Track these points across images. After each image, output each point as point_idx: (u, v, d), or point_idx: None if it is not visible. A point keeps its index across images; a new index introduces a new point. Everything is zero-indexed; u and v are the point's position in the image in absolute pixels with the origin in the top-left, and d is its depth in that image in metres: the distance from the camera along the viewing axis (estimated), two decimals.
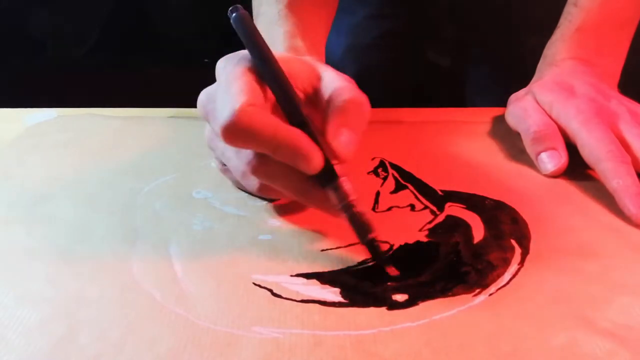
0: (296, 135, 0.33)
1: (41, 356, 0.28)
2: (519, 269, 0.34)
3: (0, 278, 0.33)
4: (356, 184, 0.43)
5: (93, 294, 0.32)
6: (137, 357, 0.27)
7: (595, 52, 0.50)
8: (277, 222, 0.38)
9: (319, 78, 0.38)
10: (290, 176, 0.34)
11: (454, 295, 0.32)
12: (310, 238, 0.37)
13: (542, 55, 0.53)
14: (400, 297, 0.31)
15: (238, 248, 0.36)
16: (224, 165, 0.39)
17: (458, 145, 0.49)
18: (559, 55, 0.51)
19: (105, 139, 0.50)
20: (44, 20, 1.16)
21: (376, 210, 0.40)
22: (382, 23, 0.73)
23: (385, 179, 0.44)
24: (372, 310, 0.30)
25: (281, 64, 0.36)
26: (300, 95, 0.37)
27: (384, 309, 0.31)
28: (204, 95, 0.37)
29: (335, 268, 0.34)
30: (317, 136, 0.34)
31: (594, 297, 0.31)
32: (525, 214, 0.39)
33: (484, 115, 0.55)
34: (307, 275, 0.33)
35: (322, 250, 0.35)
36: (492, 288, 0.32)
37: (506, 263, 0.34)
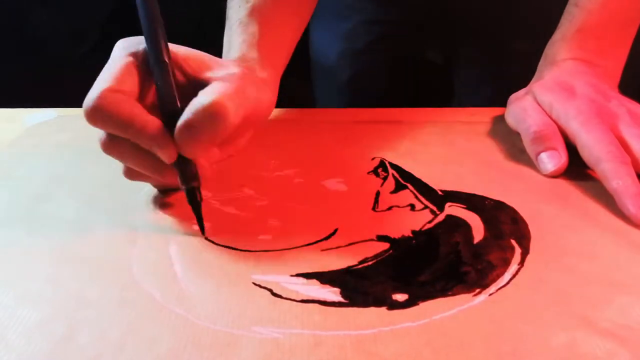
0: (153, 126, 0.34)
1: (41, 356, 0.28)
2: (519, 269, 0.34)
3: (0, 278, 0.33)
4: (356, 184, 0.43)
5: (93, 294, 0.32)
6: (137, 357, 0.27)
7: (596, 53, 0.50)
8: (277, 222, 0.38)
9: (208, 70, 0.38)
10: (140, 155, 0.36)
11: (454, 295, 0.32)
12: (310, 238, 0.37)
13: (543, 55, 0.53)
14: (400, 297, 0.31)
15: (238, 248, 0.36)
16: None
17: (458, 145, 0.49)
18: (559, 55, 0.51)
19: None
20: (44, 20, 1.16)
21: (376, 210, 0.40)
22: (376, 28, 0.73)
23: (385, 179, 0.44)
24: (372, 310, 0.30)
25: (175, 53, 0.37)
26: (183, 81, 0.38)
27: (384, 308, 0.31)
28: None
29: (335, 268, 0.34)
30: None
31: (594, 297, 0.31)
32: (525, 214, 0.39)
33: (483, 115, 0.55)
34: (307, 275, 0.33)
35: (323, 250, 0.35)
36: (492, 288, 0.32)
37: (506, 263, 0.34)
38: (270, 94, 0.44)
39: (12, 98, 0.58)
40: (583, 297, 0.31)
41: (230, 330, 0.29)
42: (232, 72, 0.38)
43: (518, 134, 0.48)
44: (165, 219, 0.38)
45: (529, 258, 0.35)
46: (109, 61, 0.37)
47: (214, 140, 0.35)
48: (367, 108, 0.57)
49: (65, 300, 0.31)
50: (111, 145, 0.36)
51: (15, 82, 1.07)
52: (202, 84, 0.37)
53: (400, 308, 0.31)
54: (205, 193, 0.41)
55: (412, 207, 0.40)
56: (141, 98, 0.37)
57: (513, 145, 0.48)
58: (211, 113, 0.34)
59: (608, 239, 0.36)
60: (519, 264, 0.34)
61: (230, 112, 0.34)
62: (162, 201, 0.40)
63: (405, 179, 0.43)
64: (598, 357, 0.28)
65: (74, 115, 0.54)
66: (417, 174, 0.44)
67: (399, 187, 0.42)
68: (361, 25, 0.73)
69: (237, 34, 0.46)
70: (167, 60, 0.37)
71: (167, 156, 0.35)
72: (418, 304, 0.31)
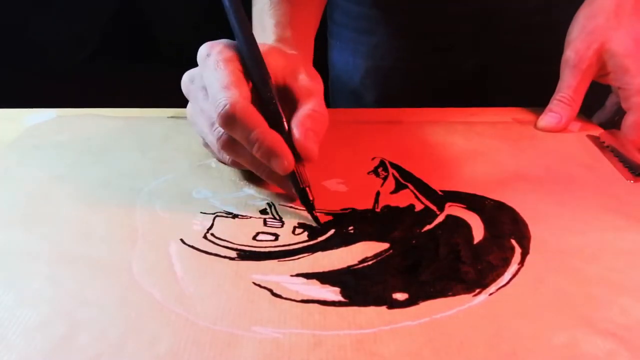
0: (275, 139, 0.37)
1: (41, 356, 0.28)
2: (519, 269, 0.34)
3: (0, 278, 0.33)
4: (356, 184, 0.43)
5: (93, 294, 0.32)
6: (137, 357, 0.27)
7: None
8: (277, 222, 0.38)
9: (295, 77, 0.42)
10: (256, 160, 0.38)
11: (454, 295, 0.32)
12: (309, 237, 0.37)
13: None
14: (400, 296, 0.31)
15: (238, 248, 0.36)
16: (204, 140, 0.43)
17: (458, 145, 0.49)
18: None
19: (105, 139, 0.50)
20: (45, 25, 1.16)
21: (376, 209, 0.40)
22: (403, 42, 0.67)
23: (385, 178, 0.44)
24: (372, 309, 0.30)
25: (263, 56, 0.41)
26: (274, 86, 0.41)
27: (384, 308, 0.31)
28: (186, 77, 0.42)
29: (335, 268, 0.34)
30: (288, 136, 0.38)
31: (594, 297, 0.31)
32: (525, 214, 0.39)
33: (484, 115, 0.55)
34: (307, 275, 0.33)
35: (323, 250, 0.35)
36: (492, 288, 0.32)
37: (506, 263, 0.34)
38: (315, 73, 0.46)
39: (12, 98, 0.59)
40: (583, 297, 0.31)
41: (230, 330, 0.29)
42: (307, 76, 0.42)
43: (518, 135, 0.48)
44: (165, 219, 0.38)
45: (529, 258, 0.35)
46: (212, 65, 0.39)
47: (321, 141, 0.40)
48: (367, 108, 0.57)
49: (65, 300, 0.31)
50: (230, 144, 0.39)
51: (16, 86, 1.07)
52: (289, 89, 0.41)
53: (400, 307, 0.31)
54: (205, 193, 0.41)
55: (412, 207, 0.40)
56: None
57: (514, 145, 0.48)
58: (320, 119, 0.39)
59: (608, 239, 0.36)
60: (519, 264, 0.34)
61: (327, 114, 0.40)
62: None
63: (406, 179, 0.43)
64: (598, 357, 0.28)
65: (74, 116, 0.54)
66: (417, 174, 0.44)
67: (399, 187, 0.42)
68: (389, 40, 0.68)
69: (268, 15, 0.49)
70: (272, 86, 0.40)
71: (287, 166, 0.37)
72: (418, 304, 0.31)
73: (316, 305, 0.31)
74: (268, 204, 0.40)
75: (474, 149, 0.48)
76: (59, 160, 0.46)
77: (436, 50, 0.67)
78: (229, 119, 0.37)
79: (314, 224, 0.38)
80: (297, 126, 0.38)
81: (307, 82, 0.42)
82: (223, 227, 0.37)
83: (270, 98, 0.39)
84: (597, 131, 0.52)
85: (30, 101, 0.57)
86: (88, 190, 0.42)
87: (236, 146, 0.39)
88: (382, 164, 0.46)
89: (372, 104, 0.71)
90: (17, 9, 1.15)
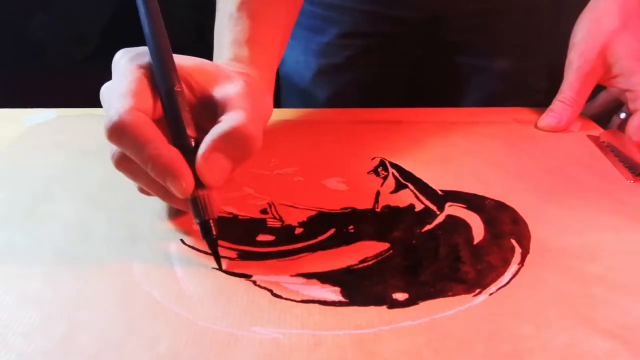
0: (172, 156, 0.32)
1: (41, 356, 0.28)
2: (519, 269, 0.34)
3: (0, 278, 0.33)
4: (356, 184, 0.43)
5: (93, 294, 0.32)
6: (137, 357, 0.27)
7: None
8: (277, 222, 0.38)
9: (224, 88, 0.36)
10: (150, 178, 0.33)
11: (454, 295, 0.32)
12: (309, 237, 0.37)
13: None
14: (400, 296, 0.31)
15: (238, 248, 0.36)
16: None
17: (458, 145, 0.49)
18: None
19: (105, 139, 0.49)
20: (46, 24, 1.16)
21: (376, 209, 0.40)
22: (356, 42, 0.67)
23: (385, 178, 0.44)
24: (372, 309, 0.30)
25: (181, 66, 0.35)
26: (194, 101, 0.36)
27: (384, 308, 0.31)
28: (103, 89, 0.36)
29: (335, 268, 0.34)
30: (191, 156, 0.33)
31: (594, 297, 0.31)
32: (525, 214, 0.39)
33: (484, 115, 0.55)
34: (307, 275, 0.33)
35: (323, 250, 0.35)
36: (492, 288, 0.32)
37: (506, 263, 0.34)
38: (269, 97, 0.43)
39: (12, 98, 0.59)
40: (583, 297, 0.31)
41: (230, 330, 0.29)
42: (239, 87, 0.36)
43: (518, 135, 0.48)
44: (165, 219, 0.38)
45: (529, 258, 0.35)
46: (120, 73, 0.35)
47: (238, 166, 0.34)
48: (367, 108, 0.57)
49: (65, 300, 0.31)
50: (125, 163, 0.34)
51: (16, 86, 1.07)
52: (212, 99, 0.36)
53: (400, 307, 0.31)
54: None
55: (412, 207, 0.40)
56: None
57: (513, 145, 0.48)
58: (239, 140, 0.33)
59: (608, 239, 0.36)
60: (519, 264, 0.34)
61: (257, 136, 0.34)
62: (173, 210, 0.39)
63: (406, 179, 0.43)
64: (598, 357, 0.28)
65: (73, 116, 0.54)
66: (417, 174, 0.44)
67: (399, 187, 0.42)
68: (339, 39, 0.67)
69: (227, 30, 0.44)
70: (178, 89, 0.35)
71: (181, 189, 0.32)
72: (418, 304, 0.31)
73: (316, 305, 0.31)
74: (268, 204, 0.40)
75: (474, 149, 0.48)
76: (59, 160, 0.46)
77: (386, 48, 0.68)
78: (116, 132, 0.32)
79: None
80: (203, 144, 0.33)
81: (238, 94, 0.35)
82: (223, 227, 0.37)
83: (172, 106, 0.34)
84: (597, 131, 0.52)
85: (30, 101, 0.57)
86: (88, 190, 0.42)
87: (131, 165, 0.34)
88: (382, 164, 0.46)
89: (323, 103, 0.71)
90: (17, 9, 1.15)
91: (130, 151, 0.33)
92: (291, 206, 0.40)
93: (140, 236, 0.36)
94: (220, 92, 0.36)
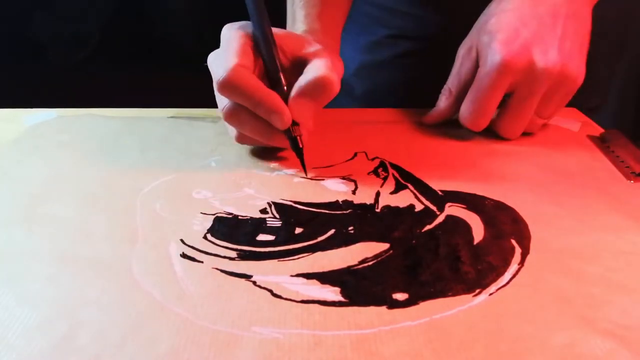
0: (272, 97, 0.42)
1: (41, 356, 0.28)
2: (519, 269, 0.34)
3: (0, 278, 0.33)
4: (356, 185, 0.43)
5: (93, 294, 0.32)
6: (137, 357, 0.27)
7: None
8: (277, 222, 0.38)
9: (307, 48, 0.45)
10: (256, 123, 0.43)
11: (454, 295, 0.32)
12: (309, 237, 0.37)
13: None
14: (400, 296, 0.31)
15: (238, 248, 0.36)
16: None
17: (458, 146, 0.49)
18: None
19: (105, 139, 0.50)
20: (45, 24, 1.16)
21: (376, 209, 0.40)
22: (403, 43, 0.69)
23: (385, 179, 0.44)
24: (372, 309, 0.30)
25: (275, 35, 0.44)
26: (286, 61, 0.45)
27: (384, 308, 0.31)
28: (211, 55, 0.44)
29: (335, 268, 0.34)
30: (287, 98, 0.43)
31: (594, 297, 0.31)
32: (525, 214, 0.39)
33: None
34: (307, 275, 0.33)
35: (323, 250, 0.35)
36: (492, 288, 0.32)
37: (506, 263, 0.34)
38: (339, 62, 0.49)
39: (12, 98, 0.59)
40: (583, 297, 0.31)
41: (230, 330, 0.29)
42: (319, 48, 0.45)
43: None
44: (165, 219, 0.38)
45: (529, 258, 0.35)
46: (226, 39, 0.44)
47: (321, 106, 0.43)
48: (367, 108, 0.57)
49: (65, 300, 0.31)
50: (234, 113, 0.43)
51: (16, 86, 1.07)
52: (300, 59, 0.45)
53: (400, 307, 0.31)
54: (205, 193, 0.41)
55: (412, 207, 0.40)
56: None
57: (513, 145, 0.48)
58: (323, 84, 0.42)
59: (608, 239, 0.36)
60: (519, 264, 0.34)
61: (335, 82, 0.42)
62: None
63: (406, 179, 0.43)
64: (598, 357, 0.28)
65: (74, 116, 0.54)
66: (417, 174, 0.44)
67: (399, 187, 0.42)
68: (387, 39, 0.70)
69: (299, 7, 0.53)
70: (273, 41, 0.44)
71: (282, 122, 0.42)
72: (418, 304, 0.31)
73: (316, 305, 0.31)
74: (268, 203, 0.40)
75: (474, 149, 0.48)
76: (59, 160, 0.46)
77: (432, 51, 0.67)
78: (227, 85, 0.40)
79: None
80: (293, 90, 0.42)
81: (319, 52, 0.44)
82: (223, 227, 0.37)
83: (271, 61, 0.44)
84: (597, 131, 0.52)
85: (30, 101, 0.57)
86: (88, 190, 0.42)
87: (240, 115, 0.42)
88: (382, 164, 0.46)
89: (359, 96, 0.72)
90: (18, 9, 1.15)
91: (242, 99, 0.41)
92: (291, 206, 0.40)
93: (140, 236, 0.36)
94: (305, 52, 0.45)
